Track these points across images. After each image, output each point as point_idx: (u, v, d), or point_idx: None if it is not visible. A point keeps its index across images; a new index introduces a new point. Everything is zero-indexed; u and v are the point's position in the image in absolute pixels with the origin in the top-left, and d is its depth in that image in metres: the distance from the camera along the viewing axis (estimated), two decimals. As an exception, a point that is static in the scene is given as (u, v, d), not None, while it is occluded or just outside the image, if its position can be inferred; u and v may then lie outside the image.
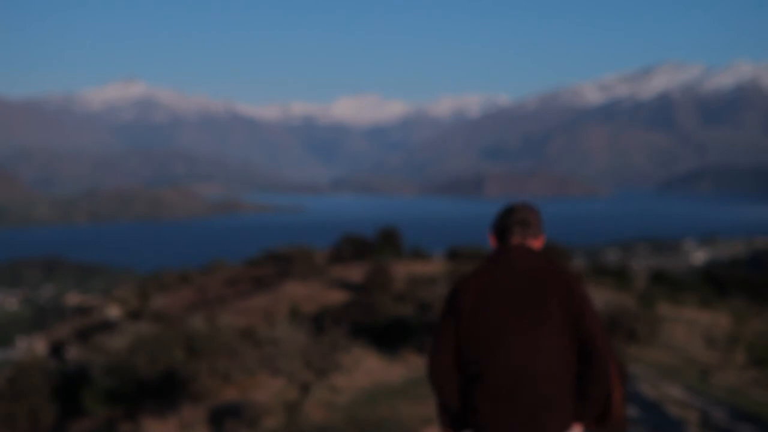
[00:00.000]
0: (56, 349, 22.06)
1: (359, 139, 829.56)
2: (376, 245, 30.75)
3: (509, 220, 3.28)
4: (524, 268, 3.13)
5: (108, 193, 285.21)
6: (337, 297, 22.71)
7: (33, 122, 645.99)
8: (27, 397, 12.71)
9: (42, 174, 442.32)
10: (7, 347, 54.48)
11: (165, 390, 11.99)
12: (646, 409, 9.11)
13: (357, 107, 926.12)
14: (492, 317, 3.09)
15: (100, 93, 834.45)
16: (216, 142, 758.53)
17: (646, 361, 14.46)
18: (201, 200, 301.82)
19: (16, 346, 53.18)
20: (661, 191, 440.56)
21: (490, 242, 3.35)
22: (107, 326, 22.56)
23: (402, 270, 25.30)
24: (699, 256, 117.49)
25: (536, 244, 3.28)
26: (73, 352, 18.30)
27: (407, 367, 13.40)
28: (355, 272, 25.77)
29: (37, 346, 26.68)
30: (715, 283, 30.53)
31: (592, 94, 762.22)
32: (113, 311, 28.50)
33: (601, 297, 20.74)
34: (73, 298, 79.62)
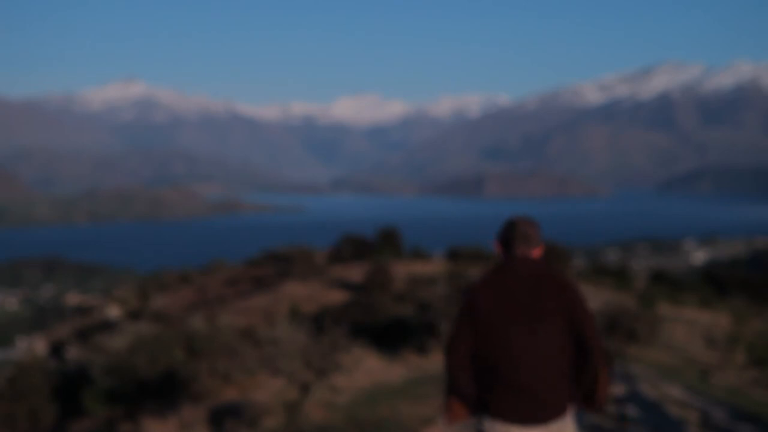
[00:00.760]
0: (56, 349, 22.05)
1: (359, 139, 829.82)
2: (376, 245, 30.74)
3: (512, 234, 3.86)
4: (528, 275, 3.74)
5: (108, 193, 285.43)
6: (337, 297, 22.69)
7: (33, 122, 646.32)
8: (27, 397, 12.71)
9: (42, 174, 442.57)
10: (7, 347, 54.55)
11: (165, 390, 11.98)
12: (646, 409, 9.10)
13: (357, 107, 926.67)
14: (502, 316, 3.69)
15: (100, 93, 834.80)
16: (216, 142, 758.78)
17: (646, 361, 14.44)
18: (201, 200, 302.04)
19: (16, 346, 53.26)
20: (661, 191, 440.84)
21: (496, 249, 3.92)
22: (107, 326, 22.55)
23: (402, 270, 25.28)
24: (699, 256, 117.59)
25: (536, 253, 3.87)
26: (73, 352, 18.30)
27: (407, 367, 13.39)
28: (355, 272, 25.76)
29: (37, 346, 26.67)
30: (715, 283, 30.47)
31: (592, 94, 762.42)
32: (113, 311, 28.50)
33: (601, 297, 20.76)
34: (73, 298, 79.70)
